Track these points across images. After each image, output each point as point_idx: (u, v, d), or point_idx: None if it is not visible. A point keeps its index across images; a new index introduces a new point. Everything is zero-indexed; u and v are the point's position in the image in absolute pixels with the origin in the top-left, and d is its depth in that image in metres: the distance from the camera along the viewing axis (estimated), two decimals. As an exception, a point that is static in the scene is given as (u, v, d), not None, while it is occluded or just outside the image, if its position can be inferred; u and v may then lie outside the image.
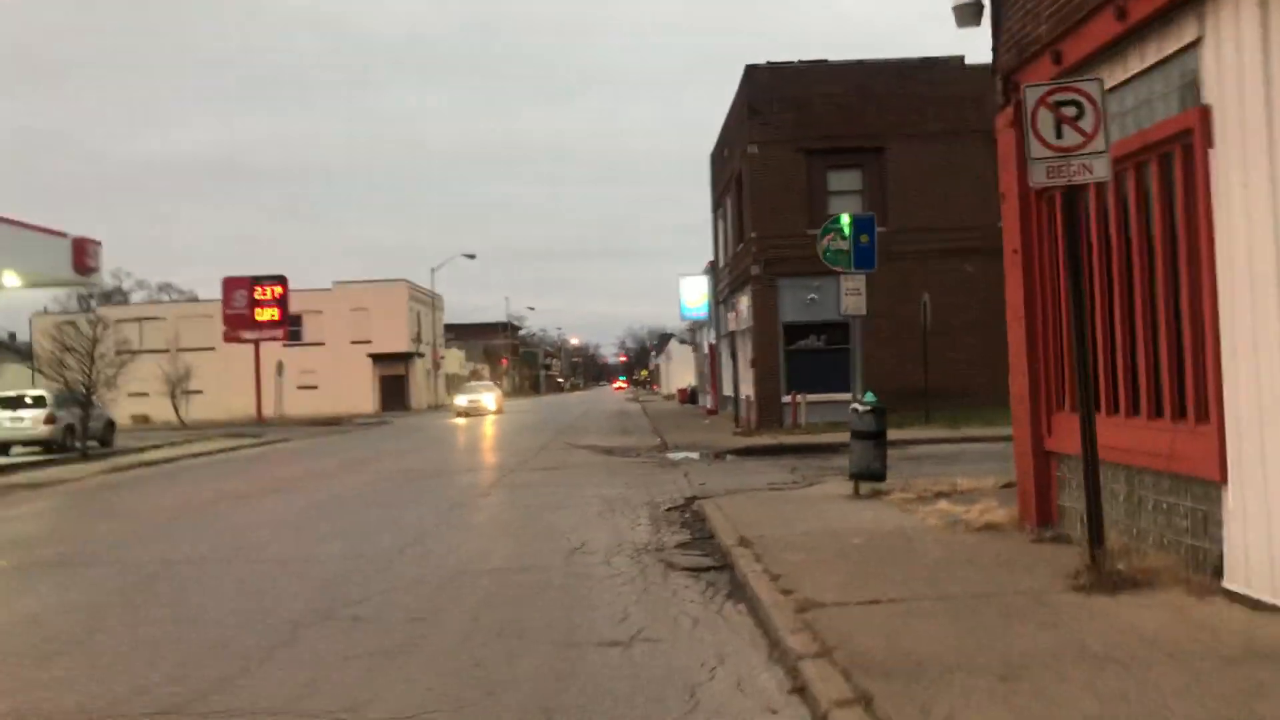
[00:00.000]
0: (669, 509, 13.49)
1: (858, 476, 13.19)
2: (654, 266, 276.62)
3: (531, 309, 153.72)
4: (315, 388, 73.22)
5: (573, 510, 13.31)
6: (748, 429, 28.03)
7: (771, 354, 29.15)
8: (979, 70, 30.24)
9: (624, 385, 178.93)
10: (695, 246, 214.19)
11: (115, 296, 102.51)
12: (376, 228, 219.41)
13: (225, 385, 67.06)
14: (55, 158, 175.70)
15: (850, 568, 8.41)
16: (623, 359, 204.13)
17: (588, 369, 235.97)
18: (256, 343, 54.76)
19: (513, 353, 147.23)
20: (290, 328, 74.23)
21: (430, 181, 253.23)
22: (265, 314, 54.30)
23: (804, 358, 29.30)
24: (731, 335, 36.79)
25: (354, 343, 73.87)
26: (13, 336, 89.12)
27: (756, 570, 8.40)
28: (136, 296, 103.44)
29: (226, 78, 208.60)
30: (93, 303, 73.48)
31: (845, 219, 14.32)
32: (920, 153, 29.08)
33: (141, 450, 32.32)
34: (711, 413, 42.11)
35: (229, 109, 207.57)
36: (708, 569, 9.25)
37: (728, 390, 39.83)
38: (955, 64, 29.79)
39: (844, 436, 24.66)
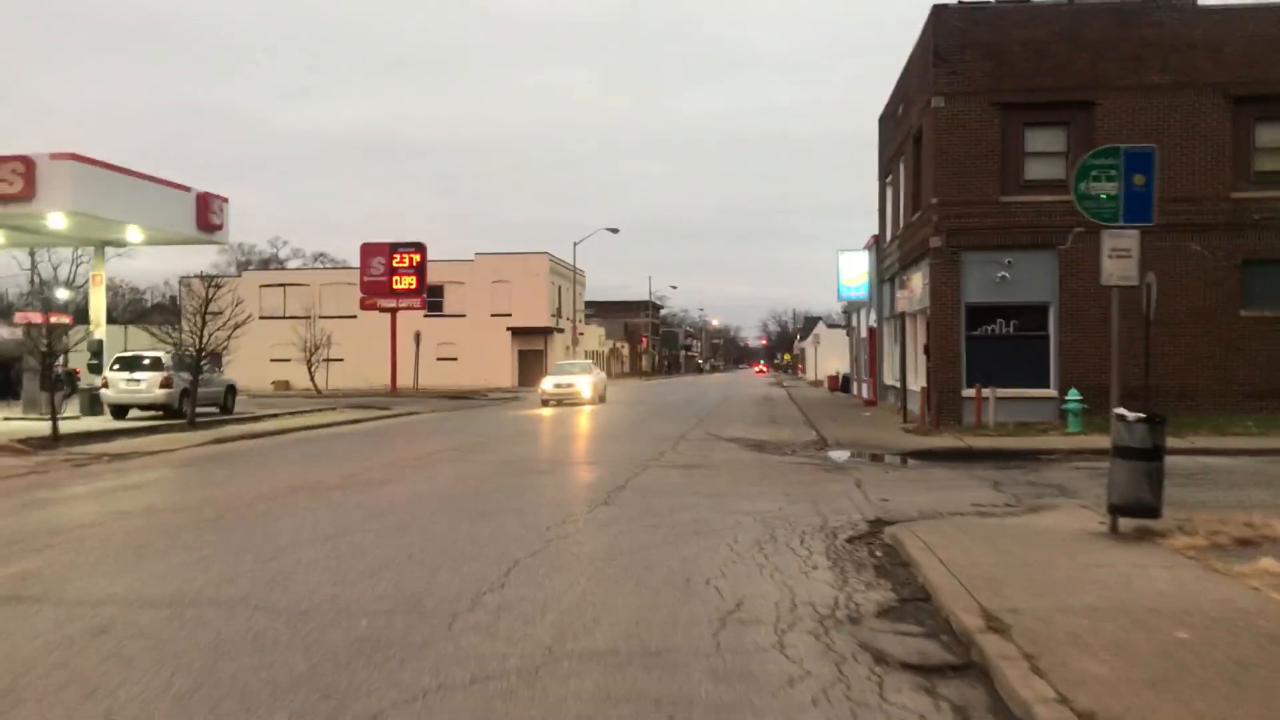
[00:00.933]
0: (851, 538, 10.06)
1: (1122, 510, 9.45)
2: (799, 249, 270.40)
3: (674, 287, 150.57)
4: (454, 359, 72.07)
5: (720, 537, 9.98)
6: (921, 426, 24.17)
7: (950, 340, 25.17)
8: (1214, 12, 25.47)
9: (764, 369, 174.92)
10: (841, 229, 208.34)
11: (272, 264, 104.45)
12: (524, 206, 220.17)
13: (365, 353, 66.28)
14: (220, 131, 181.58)
15: (1209, 704, 4.86)
16: (763, 342, 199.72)
17: (728, 351, 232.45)
18: (393, 311, 53.23)
19: (653, 332, 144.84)
20: (430, 298, 73.14)
21: (577, 160, 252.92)
22: (403, 282, 52.65)
23: (988, 345, 25.22)
24: (899, 318, 32.78)
25: (494, 315, 72.29)
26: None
27: (1046, 700, 4.93)
28: (293, 264, 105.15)
29: (378, 54, 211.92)
30: (220, 270, 74.00)
31: (1115, 151, 10.46)
32: (1139, 109, 24.53)
33: (258, 419, 30.53)
34: (870, 403, 38.15)
35: (381, 85, 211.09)
36: (941, 669, 5.82)
37: (890, 379, 35.83)
38: (1185, 3, 25.06)
39: (1044, 441, 20.84)
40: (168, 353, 29.30)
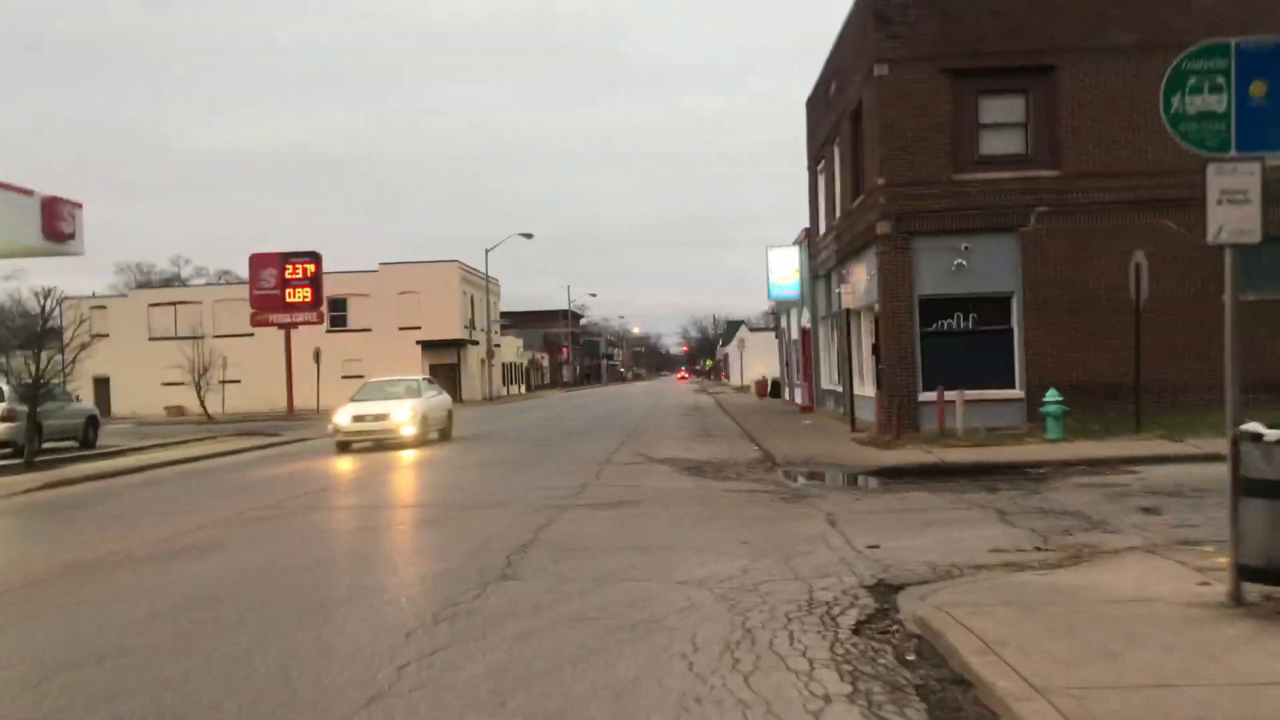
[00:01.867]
0: (858, 624, 6.90)
1: (1265, 575, 6.40)
2: (718, 256, 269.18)
3: (593, 295, 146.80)
4: (360, 376, 67.53)
5: (669, 635, 6.73)
6: (878, 436, 21.24)
7: (903, 338, 22.31)
8: (1179, -35, 23.04)
9: (687, 376, 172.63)
10: (760, 235, 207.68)
11: (175, 283, 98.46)
12: (443, 219, 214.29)
13: (266, 374, 61.68)
14: (125, 149, 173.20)
15: None
16: (685, 349, 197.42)
17: (650, 359, 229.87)
18: (288, 326, 49.08)
19: (574, 341, 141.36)
20: (333, 312, 68.99)
21: (493, 173, 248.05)
22: (297, 294, 48.63)
23: (946, 343, 22.42)
24: (837, 316, 29.96)
25: (402, 329, 68.17)
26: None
27: None
28: (197, 283, 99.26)
29: (290, 69, 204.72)
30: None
31: (1222, 50, 7.43)
32: (1104, 73, 21.97)
33: (121, 454, 26.47)
34: (806, 410, 35.32)
35: (295, 100, 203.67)
36: None
37: (829, 383, 33.02)
38: (1148, -44, 22.62)
39: (1025, 452, 17.80)
40: (8, 383, 25.18)
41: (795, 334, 40.41)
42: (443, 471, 19.12)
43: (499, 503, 13.83)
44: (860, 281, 25.15)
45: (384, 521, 12.97)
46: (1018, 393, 22.17)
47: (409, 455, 22.97)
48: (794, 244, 37.13)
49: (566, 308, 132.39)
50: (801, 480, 16.25)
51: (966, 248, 22.12)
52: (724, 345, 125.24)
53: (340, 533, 12.26)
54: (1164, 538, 9.88)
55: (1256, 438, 6.35)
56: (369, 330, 68.41)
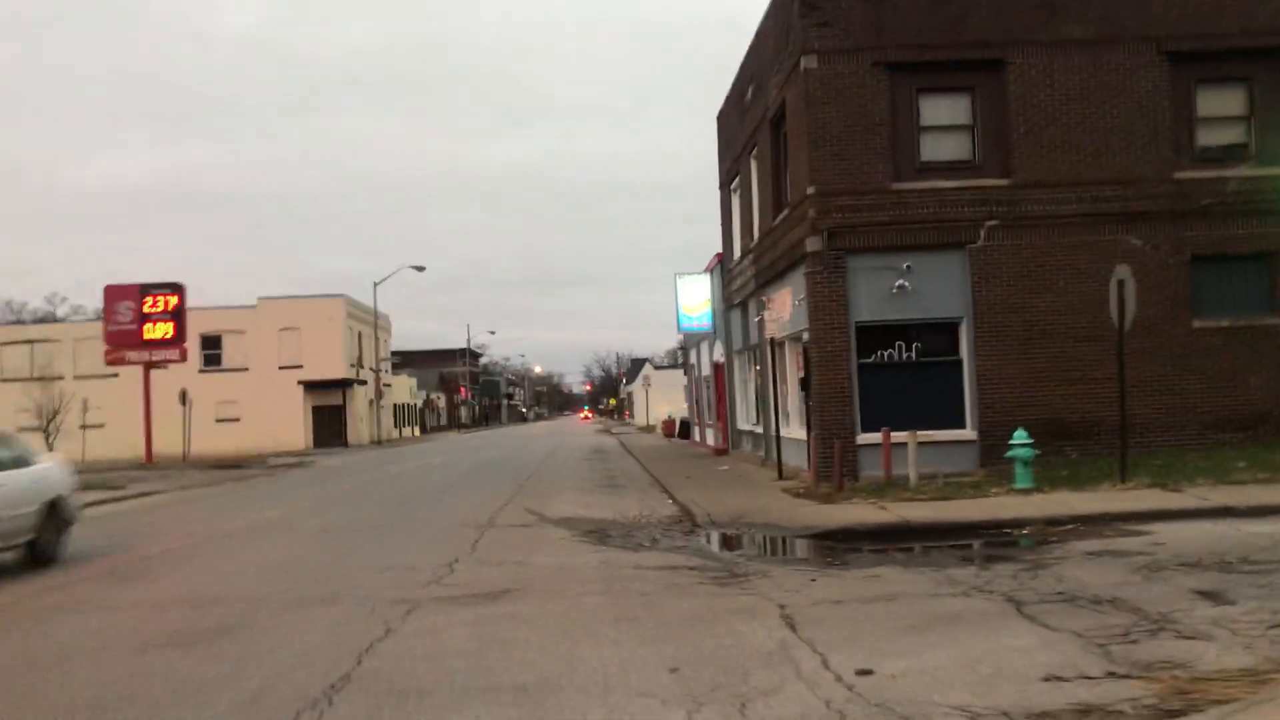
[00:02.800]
0: None
1: None
2: (621, 294, 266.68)
3: (492, 333, 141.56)
4: (237, 420, 62.73)
5: None
6: (814, 486, 18.03)
7: (838, 371, 19.27)
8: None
9: (589, 415, 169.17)
10: (663, 273, 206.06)
11: (48, 321, 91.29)
12: (333, 256, 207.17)
13: (129, 418, 56.32)
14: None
15: None
16: (588, 388, 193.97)
17: (552, 398, 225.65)
18: (147, 365, 44.16)
19: (472, 381, 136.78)
20: (207, 350, 64.00)
21: (389, 210, 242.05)
22: (157, 330, 43.71)
23: (886, 376, 19.47)
24: (756, 348, 26.93)
25: (283, 368, 63.40)
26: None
27: None
28: (74, 321, 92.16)
29: (171, 104, 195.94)
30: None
31: None
32: (1058, 69, 19.43)
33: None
34: (720, 452, 32.16)
35: (176, 135, 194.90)
36: None
37: (746, 423, 29.92)
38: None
39: (998, 506, 14.14)
40: None
41: (706, 369, 37.32)
42: (275, 541, 15.21)
43: (328, 596, 10.09)
44: (784, 307, 22.12)
45: (148, 632, 8.93)
46: (969, 433, 19.31)
47: (245, 517, 18.98)
48: (705, 271, 34.10)
49: (464, 346, 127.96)
50: (733, 550, 12.90)
51: (908, 267, 19.24)
52: (628, 384, 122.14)
53: (73, 653, 8.38)
54: (1271, 646, 6.84)
55: None
56: (246, 370, 63.44)
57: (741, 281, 27.80)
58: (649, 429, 70.82)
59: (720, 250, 31.87)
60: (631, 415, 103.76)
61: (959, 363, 19.55)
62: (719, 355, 33.36)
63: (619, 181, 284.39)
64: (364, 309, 67.45)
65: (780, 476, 21.21)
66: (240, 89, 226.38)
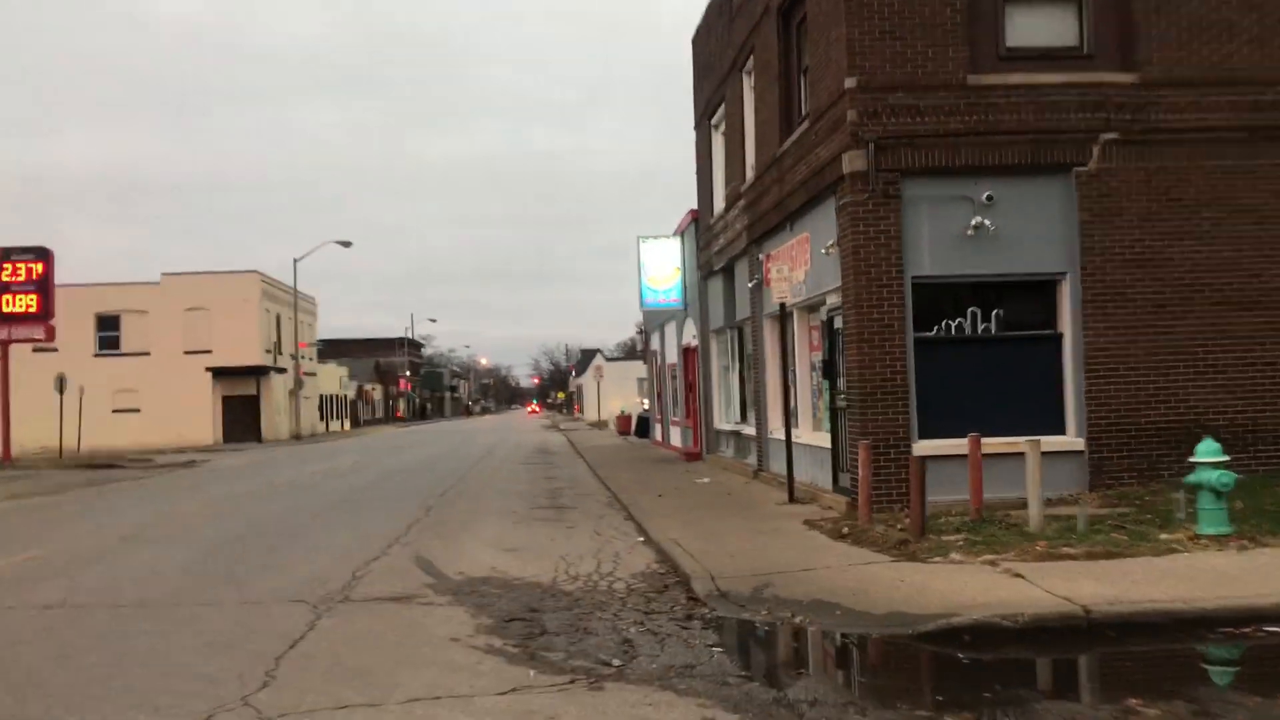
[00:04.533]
0: None
1: None
2: (567, 290, 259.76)
3: (433, 320, 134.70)
4: (137, 411, 55.43)
5: None
6: (862, 523, 11.76)
7: (885, 347, 13.16)
8: None
9: (538, 409, 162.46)
10: (607, 270, 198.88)
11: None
12: (273, 250, 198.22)
13: (17, 407, 48.96)
14: None
15: None
16: (536, 381, 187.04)
17: (499, 392, 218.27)
18: (5, 344, 37.03)
19: (413, 372, 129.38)
20: (104, 332, 56.56)
21: (331, 202, 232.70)
22: (18, 302, 36.57)
23: (953, 357, 13.42)
24: (745, 326, 20.82)
25: (189, 353, 56.12)
26: None
27: None
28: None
29: (116, 90, 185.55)
30: None
31: None
32: (1202, -81, 13.46)
33: None
34: (691, 456, 25.98)
35: (121, 122, 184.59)
36: None
37: (724, 421, 23.79)
38: None
39: (1227, 577, 6.50)
40: None
41: (672, 356, 31.12)
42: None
43: None
44: (798, 262, 15.95)
45: None
46: (1072, 440, 13.31)
47: None
48: (675, 234, 27.85)
49: (404, 336, 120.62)
50: (790, 678, 6.70)
51: (989, 198, 13.17)
52: (577, 376, 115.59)
53: None
54: None
55: None
56: (147, 354, 56.09)
57: (726, 240, 21.59)
58: (600, 424, 64.51)
59: (695, 207, 25.65)
60: (581, 410, 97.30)
61: (1057, 339, 13.53)
62: (690, 337, 27.15)
63: (566, 177, 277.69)
64: (284, 288, 60.34)
65: (791, 498, 15.07)
66: (182, 78, 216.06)
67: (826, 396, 15.38)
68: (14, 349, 48.72)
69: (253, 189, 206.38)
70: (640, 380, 75.66)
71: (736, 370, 22.72)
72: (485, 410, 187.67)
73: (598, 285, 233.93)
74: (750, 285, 19.13)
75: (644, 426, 40.93)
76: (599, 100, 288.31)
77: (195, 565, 11.38)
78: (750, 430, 20.53)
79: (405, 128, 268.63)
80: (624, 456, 29.85)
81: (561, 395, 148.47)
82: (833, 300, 14.70)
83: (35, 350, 52.20)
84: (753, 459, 20.26)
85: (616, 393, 73.59)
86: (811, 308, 16.34)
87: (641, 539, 12.53)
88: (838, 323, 14.55)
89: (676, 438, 30.91)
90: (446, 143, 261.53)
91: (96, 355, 55.71)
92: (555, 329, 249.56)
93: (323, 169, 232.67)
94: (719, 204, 22.85)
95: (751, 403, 20.64)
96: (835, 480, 14.76)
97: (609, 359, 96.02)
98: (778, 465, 18.02)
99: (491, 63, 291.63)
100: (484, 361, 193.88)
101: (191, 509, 18.10)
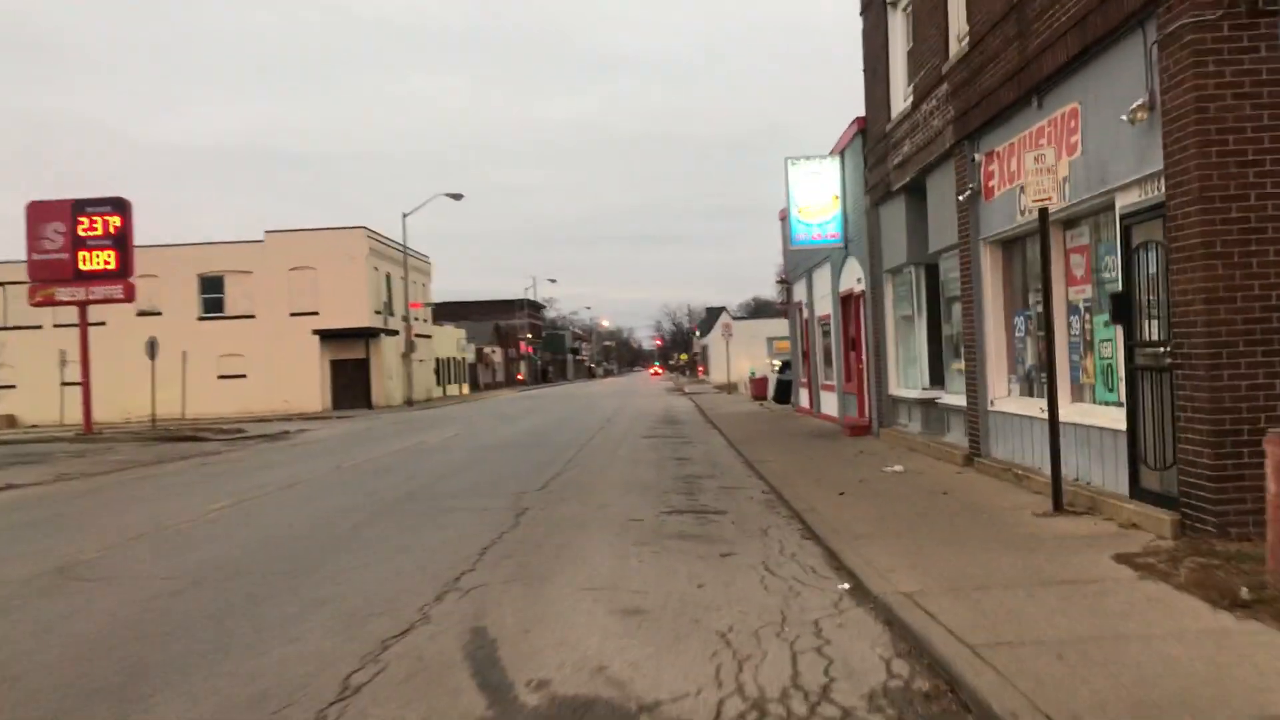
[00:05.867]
0: None
1: None
2: (687, 251, 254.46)
3: (553, 281, 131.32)
4: (243, 376, 52.89)
5: None
6: (1192, 550, 6.52)
7: (1257, 266, 7.80)
8: None
9: (660, 371, 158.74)
10: (730, 229, 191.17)
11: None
12: (398, 216, 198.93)
13: (115, 374, 46.85)
14: (74, 141, 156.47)
15: None
16: (658, 343, 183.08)
17: (621, 354, 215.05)
18: (82, 304, 34.07)
19: (535, 334, 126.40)
20: (207, 294, 54.05)
21: (452, 167, 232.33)
22: (94, 260, 33.56)
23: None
24: (940, 258, 15.49)
25: (295, 315, 53.24)
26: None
27: None
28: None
29: (242, 64, 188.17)
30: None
31: None
32: None
33: None
34: (858, 431, 20.73)
35: (246, 94, 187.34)
36: None
37: (902, 386, 18.56)
38: None
39: None
40: None
41: (825, 306, 25.85)
42: None
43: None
44: (1065, 146, 10.54)
45: None
46: None
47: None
48: (833, 154, 22.49)
49: (523, 297, 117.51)
50: None
51: None
52: (701, 336, 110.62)
53: None
54: None
55: None
56: (252, 317, 53.45)
57: (915, 145, 16.18)
58: (729, 387, 59.44)
59: (863, 115, 20.25)
60: (706, 372, 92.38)
61: None
62: (854, 281, 21.86)
63: (686, 137, 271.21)
64: (394, 246, 56.89)
65: (1057, 506, 9.84)
66: (310, 49, 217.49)
67: (1111, 352, 10.05)
68: (114, 314, 46.61)
69: (373, 156, 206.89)
70: (770, 340, 70.27)
71: (924, 320, 17.42)
72: (608, 373, 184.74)
73: (716, 245, 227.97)
74: (962, 198, 13.77)
75: (784, 390, 35.74)
76: (715, 60, 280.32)
77: (71, 658, 6.82)
78: (952, 399, 15.27)
79: (520, 96, 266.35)
80: (767, 428, 24.83)
81: (684, 357, 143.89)
82: (1129, 199, 9.36)
83: (139, 315, 50.14)
84: (957, 438, 15.03)
85: (744, 353, 68.50)
86: (1071, 221, 11.00)
87: (847, 586, 7.56)
88: (1143, 234, 9.20)
89: (831, 405, 25.70)
90: (560, 109, 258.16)
91: (201, 319, 53.29)
92: (675, 289, 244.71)
93: (441, 135, 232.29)
94: (900, 103, 17.45)
95: (952, 362, 15.37)
96: (1134, 480, 9.47)
97: (736, 318, 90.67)
98: (1004, 449, 12.80)
99: (602, 27, 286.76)
100: (605, 323, 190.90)
101: (199, 512, 13.83)
